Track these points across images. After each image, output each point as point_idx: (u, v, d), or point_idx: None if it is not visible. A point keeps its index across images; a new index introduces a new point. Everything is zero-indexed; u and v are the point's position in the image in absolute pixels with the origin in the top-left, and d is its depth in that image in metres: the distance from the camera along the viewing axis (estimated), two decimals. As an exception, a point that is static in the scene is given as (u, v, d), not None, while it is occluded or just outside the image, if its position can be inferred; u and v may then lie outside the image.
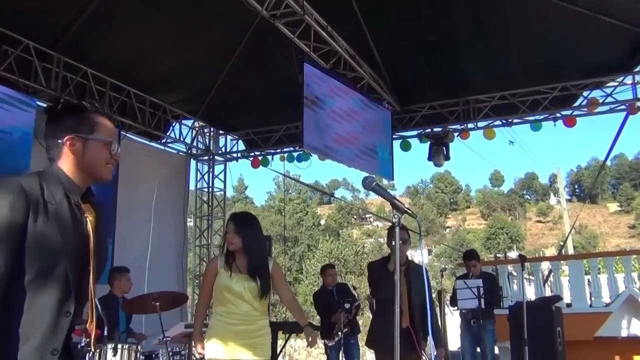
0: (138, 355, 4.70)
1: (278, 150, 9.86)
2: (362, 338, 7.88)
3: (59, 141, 1.78)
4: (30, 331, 1.59)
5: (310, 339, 3.65)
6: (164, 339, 4.63)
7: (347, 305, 6.53)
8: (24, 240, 1.60)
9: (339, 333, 6.55)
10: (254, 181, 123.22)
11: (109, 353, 4.45)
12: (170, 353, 4.80)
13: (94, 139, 1.80)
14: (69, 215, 1.71)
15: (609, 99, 8.05)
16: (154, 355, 5.09)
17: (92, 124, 1.81)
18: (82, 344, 4.33)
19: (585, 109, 8.24)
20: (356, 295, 7.13)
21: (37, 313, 1.60)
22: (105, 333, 4.49)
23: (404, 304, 4.42)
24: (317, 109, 6.78)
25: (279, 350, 7.83)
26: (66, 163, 1.78)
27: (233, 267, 3.57)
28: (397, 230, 2.37)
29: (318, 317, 7.67)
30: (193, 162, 10.09)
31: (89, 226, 1.79)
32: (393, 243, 4.72)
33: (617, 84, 8.00)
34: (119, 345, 4.57)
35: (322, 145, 7.00)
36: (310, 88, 6.64)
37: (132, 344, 4.75)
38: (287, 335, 7.42)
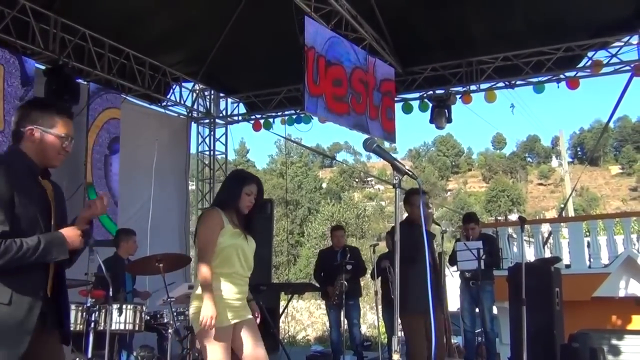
0: (143, 315, 4.79)
1: (279, 113, 9.80)
2: (362, 300, 7.98)
3: (22, 129, 2.25)
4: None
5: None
6: (168, 299, 4.72)
7: (348, 267, 6.64)
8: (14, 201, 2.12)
9: (339, 293, 6.65)
10: (256, 144, 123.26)
11: (115, 313, 4.53)
12: (175, 313, 4.90)
13: (51, 133, 2.29)
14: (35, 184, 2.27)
15: (614, 60, 7.94)
16: (158, 315, 5.20)
17: (51, 121, 2.29)
18: (88, 304, 4.41)
19: (588, 70, 8.15)
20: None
21: None
22: (111, 294, 4.54)
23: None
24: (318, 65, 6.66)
25: (281, 310, 7.99)
26: (28, 147, 2.27)
27: (237, 225, 3.36)
28: (397, 191, 2.37)
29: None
30: (194, 126, 10.07)
31: (49, 195, 2.32)
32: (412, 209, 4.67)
33: (622, 44, 7.88)
34: (124, 306, 4.66)
35: (324, 108, 6.92)
36: (311, 46, 6.51)
37: (137, 304, 4.83)
38: (289, 296, 7.55)
